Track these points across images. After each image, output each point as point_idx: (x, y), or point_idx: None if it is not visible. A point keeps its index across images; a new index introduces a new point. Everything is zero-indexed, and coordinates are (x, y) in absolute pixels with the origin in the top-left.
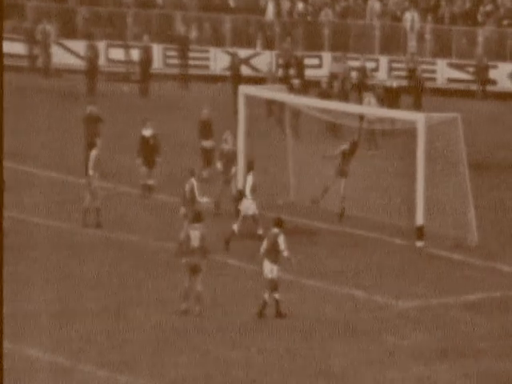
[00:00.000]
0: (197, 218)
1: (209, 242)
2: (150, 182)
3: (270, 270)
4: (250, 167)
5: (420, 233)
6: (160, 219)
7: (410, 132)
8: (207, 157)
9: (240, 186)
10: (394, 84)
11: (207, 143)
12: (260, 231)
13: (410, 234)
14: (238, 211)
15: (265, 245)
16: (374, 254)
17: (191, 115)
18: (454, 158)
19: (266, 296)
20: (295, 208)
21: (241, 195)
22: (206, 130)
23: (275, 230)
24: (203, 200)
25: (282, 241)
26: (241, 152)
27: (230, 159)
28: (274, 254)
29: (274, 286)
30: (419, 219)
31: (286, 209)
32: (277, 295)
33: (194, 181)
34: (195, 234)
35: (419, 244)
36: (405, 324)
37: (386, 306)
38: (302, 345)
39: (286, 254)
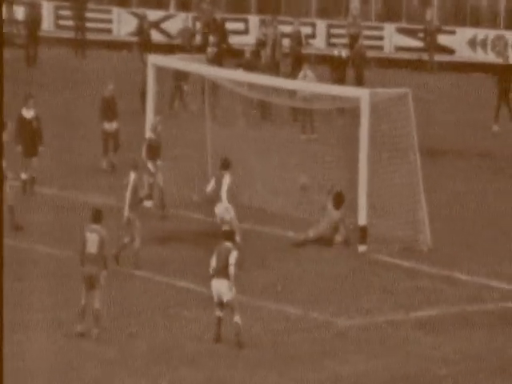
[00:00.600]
0: (96, 217)
1: (110, 247)
2: (31, 174)
3: (223, 289)
4: (225, 166)
5: (363, 235)
6: (49, 219)
7: (351, 112)
8: (110, 142)
9: (160, 182)
10: (343, 53)
11: (110, 126)
12: (237, 239)
13: (351, 236)
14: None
15: (214, 261)
16: (309, 261)
17: (90, 91)
18: (404, 143)
19: (219, 313)
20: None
21: (149, 197)
22: (109, 109)
23: (227, 244)
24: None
25: (233, 256)
26: (148, 134)
27: (157, 152)
28: (226, 271)
29: (231, 308)
30: (361, 218)
31: (203, 207)
32: (237, 318)
33: (135, 175)
34: (93, 238)
35: (362, 249)
36: (346, 346)
37: (323, 324)
38: (224, 373)
39: (232, 269)
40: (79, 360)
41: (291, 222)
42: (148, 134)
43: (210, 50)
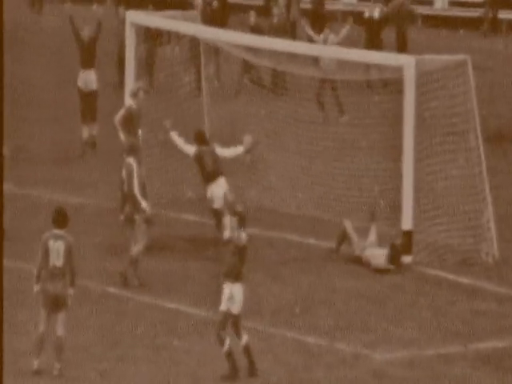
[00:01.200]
0: (59, 219)
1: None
2: None
3: (230, 296)
4: (199, 140)
5: (407, 242)
6: None
7: (392, 85)
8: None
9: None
10: (376, 14)
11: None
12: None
13: (397, 254)
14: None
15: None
16: (337, 275)
17: (46, 53)
18: (462, 124)
19: (227, 342)
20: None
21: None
22: (88, 56)
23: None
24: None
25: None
26: (128, 101)
27: (136, 125)
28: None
29: (236, 322)
30: (406, 222)
31: (199, 205)
32: (245, 339)
33: (133, 161)
34: (57, 247)
35: (406, 260)
36: None
37: (354, 359)
38: None
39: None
40: None
41: (312, 226)
42: (127, 102)
43: (204, 4)
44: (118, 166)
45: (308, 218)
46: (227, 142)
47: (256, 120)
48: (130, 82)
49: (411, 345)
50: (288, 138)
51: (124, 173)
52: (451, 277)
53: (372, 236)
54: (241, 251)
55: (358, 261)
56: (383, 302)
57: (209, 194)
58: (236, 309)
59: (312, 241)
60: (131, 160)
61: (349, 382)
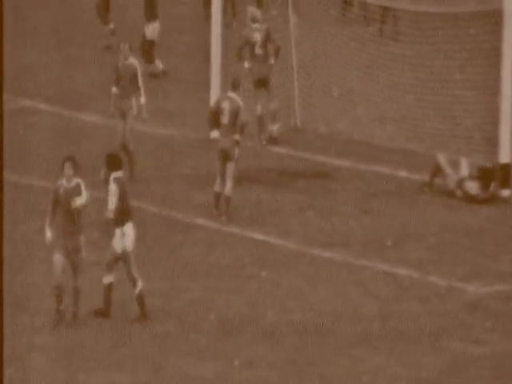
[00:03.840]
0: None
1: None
2: None
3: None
4: (234, 86)
5: (505, 175)
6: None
7: (489, 16)
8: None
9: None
10: None
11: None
12: None
13: (487, 177)
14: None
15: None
16: (431, 208)
17: None
18: None
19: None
20: (301, 137)
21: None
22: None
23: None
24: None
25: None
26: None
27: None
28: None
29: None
30: (504, 155)
31: (287, 137)
32: (139, 287)
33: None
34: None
35: (504, 193)
36: (479, 322)
37: (447, 292)
38: (311, 353)
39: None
40: (133, 333)
41: (404, 158)
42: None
43: None
44: (204, 97)
45: (399, 151)
46: (313, 75)
47: (346, 52)
48: (216, 21)
49: (508, 279)
50: (379, 71)
51: (228, 106)
52: None
53: (465, 169)
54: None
55: (452, 194)
56: (478, 236)
57: None
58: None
59: (403, 173)
60: (234, 95)
61: (441, 315)
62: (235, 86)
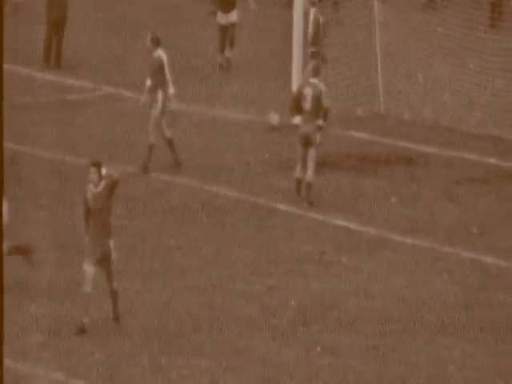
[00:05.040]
0: None
1: None
2: None
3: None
4: (316, 71)
5: None
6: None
7: None
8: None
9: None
10: None
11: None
12: None
13: None
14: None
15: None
16: None
17: None
18: None
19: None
20: (385, 123)
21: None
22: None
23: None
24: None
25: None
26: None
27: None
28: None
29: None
30: None
31: (370, 123)
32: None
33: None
34: None
35: None
36: None
37: None
38: (392, 341)
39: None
40: (214, 318)
41: (493, 145)
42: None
43: None
44: (282, 83)
45: (488, 137)
46: (397, 61)
47: (433, 38)
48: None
49: None
50: (466, 56)
51: (311, 91)
52: None
53: None
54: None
55: None
56: None
57: None
58: None
59: (492, 160)
60: (316, 80)
61: None
62: (317, 72)
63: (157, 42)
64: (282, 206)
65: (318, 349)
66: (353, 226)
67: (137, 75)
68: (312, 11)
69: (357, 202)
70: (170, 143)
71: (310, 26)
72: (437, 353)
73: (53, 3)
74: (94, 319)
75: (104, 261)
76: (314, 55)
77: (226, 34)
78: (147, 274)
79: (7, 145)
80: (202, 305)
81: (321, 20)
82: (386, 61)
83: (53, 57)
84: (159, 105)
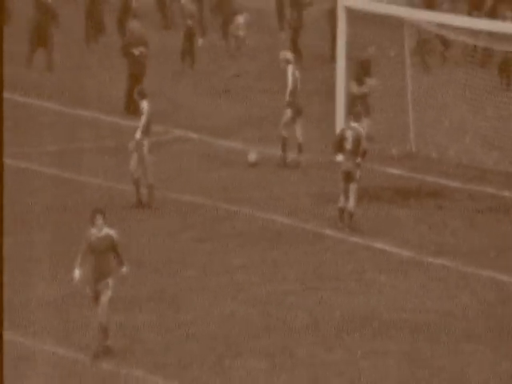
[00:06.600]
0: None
1: None
2: None
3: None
4: (356, 117)
5: None
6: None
7: None
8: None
9: None
10: None
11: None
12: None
13: None
14: None
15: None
16: None
17: None
18: None
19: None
20: (415, 161)
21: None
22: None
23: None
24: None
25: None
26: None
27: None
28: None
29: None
30: None
31: (403, 161)
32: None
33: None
34: None
35: None
36: None
37: None
38: (425, 348)
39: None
40: (271, 326)
41: (508, 180)
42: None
43: None
44: (327, 128)
45: (504, 173)
46: (425, 107)
47: (454, 86)
48: (341, 62)
49: None
50: (485, 104)
51: (351, 134)
52: None
53: None
54: None
55: None
56: None
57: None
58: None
59: (507, 193)
60: (356, 125)
61: None
62: (357, 118)
63: (143, 95)
64: (328, 232)
65: (359, 353)
66: (389, 248)
67: (201, 119)
68: (289, 68)
69: (392, 229)
70: (137, 182)
71: (289, 80)
72: (460, 358)
73: (134, 60)
74: (164, 326)
75: (101, 293)
76: (289, 104)
77: None
78: (215, 289)
79: (107, 183)
80: (260, 315)
81: (297, 75)
82: (416, 107)
83: (132, 105)
84: (146, 148)
